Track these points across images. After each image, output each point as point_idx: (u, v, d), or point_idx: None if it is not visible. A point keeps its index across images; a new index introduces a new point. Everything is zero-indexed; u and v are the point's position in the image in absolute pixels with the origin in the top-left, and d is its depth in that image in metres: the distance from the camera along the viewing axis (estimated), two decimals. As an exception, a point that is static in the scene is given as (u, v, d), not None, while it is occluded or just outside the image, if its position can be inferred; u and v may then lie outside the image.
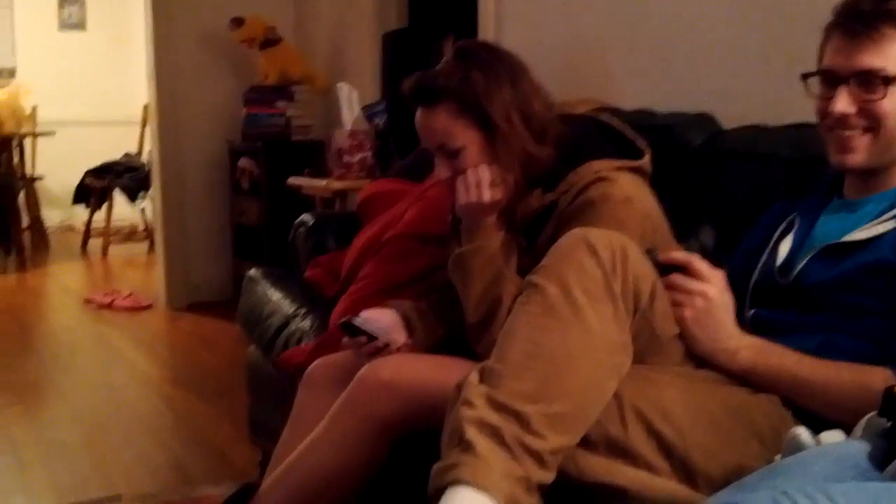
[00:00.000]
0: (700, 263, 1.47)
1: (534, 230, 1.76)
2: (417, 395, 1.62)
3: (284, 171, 4.35)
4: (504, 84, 1.71)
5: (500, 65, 1.73)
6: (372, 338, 1.77)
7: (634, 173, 1.74)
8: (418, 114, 1.75)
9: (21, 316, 4.95)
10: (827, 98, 1.51)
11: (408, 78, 1.76)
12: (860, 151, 1.50)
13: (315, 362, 1.94)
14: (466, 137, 1.71)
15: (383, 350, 1.77)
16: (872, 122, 1.47)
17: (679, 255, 1.50)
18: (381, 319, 1.84)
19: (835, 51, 1.49)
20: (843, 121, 1.49)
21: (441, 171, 1.75)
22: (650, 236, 1.66)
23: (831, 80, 1.50)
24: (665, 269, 1.46)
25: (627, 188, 1.68)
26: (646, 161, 1.76)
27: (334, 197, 4.02)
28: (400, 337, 1.82)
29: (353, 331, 1.79)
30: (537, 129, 1.73)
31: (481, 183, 1.69)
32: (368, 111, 4.05)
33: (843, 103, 1.48)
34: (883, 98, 1.45)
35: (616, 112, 2.37)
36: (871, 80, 1.45)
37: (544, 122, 1.74)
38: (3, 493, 2.63)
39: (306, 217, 2.93)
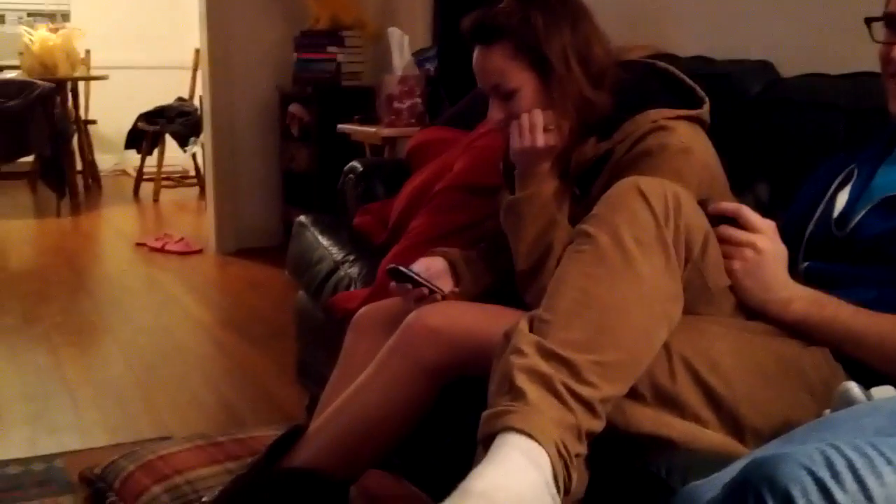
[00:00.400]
0: (750, 214, 1.45)
1: (588, 179, 1.74)
2: (464, 342, 1.62)
3: (335, 117, 4.35)
4: (564, 27, 1.69)
5: (561, 7, 1.71)
6: (418, 284, 1.78)
7: (693, 122, 1.70)
8: (475, 53, 1.74)
9: (74, 258, 5.04)
10: (890, 44, 1.47)
11: (467, 16, 1.74)
12: None
13: (363, 308, 1.95)
14: (522, 79, 1.69)
15: (429, 297, 1.77)
16: None
17: (728, 205, 1.47)
18: (430, 267, 1.84)
19: None
20: None
21: (495, 112, 1.74)
22: (707, 187, 1.63)
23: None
24: (715, 220, 1.44)
25: (685, 138, 1.65)
26: (705, 110, 1.73)
27: (384, 144, 4.01)
28: (446, 285, 1.83)
29: (401, 277, 1.79)
30: (595, 74, 1.70)
31: (536, 127, 1.68)
32: (419, 57, 4.02)
33: None
34: None
35: (673, 58, 2.33)
36: None
37: (603, 67, 1.71)
38: (57, 432, 2.69)
39: (355, 164, 2.94)
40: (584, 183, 1.74)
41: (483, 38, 1.72)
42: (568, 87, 1.68)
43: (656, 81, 1.77)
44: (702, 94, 1.75)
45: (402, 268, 1.79)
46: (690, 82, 1.77)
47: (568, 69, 1.68)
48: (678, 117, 1.67)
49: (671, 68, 1.80)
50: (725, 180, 1.73)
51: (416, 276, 1.78)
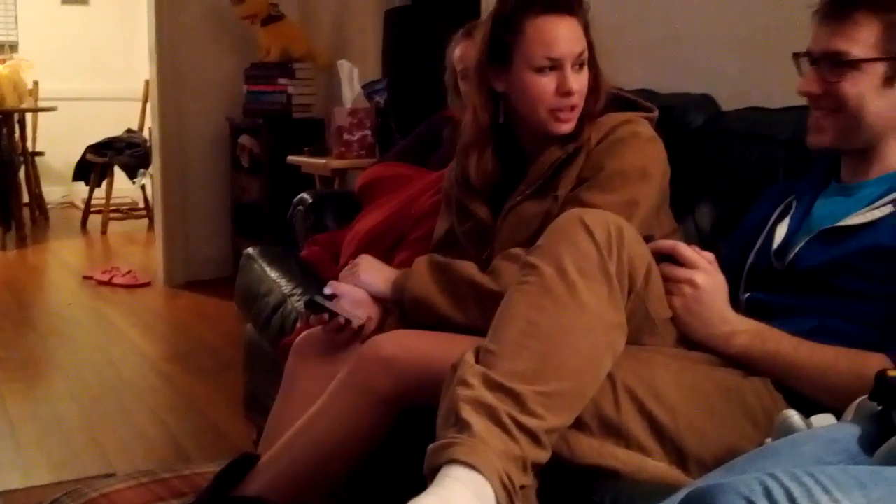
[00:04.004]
0: (685, 250, 1.47)
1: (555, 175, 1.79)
2: (417, 370, 1.62)
3: (285, 148, 4.34)
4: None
5: None
6: (335, 315, 1.78)
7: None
8: (563, 19, 1.74)
9: (20, 292, 4.95)
10: (819, 80, 1.53)
11: None
12: (827, 132, 1.53)
13: (304, 332, 1.95)
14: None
15: (347, 327, 1.78)
16: (837, 104, 1.50)
17: (664, 243, 1.50)
18: (349, 295, 1.85)
19: (814, 32, 1.53)
20: (812, 101, 1.53)
21: (574, 82, 1.74)
22: (666, 181, 1.77)
23: (810, 60, 1.54)
24: (656, 257, 1.46)
25: (651, 130, 1.78)
26: (656, 115, 1.84)
27: (334, 175, 4.01)
28: (363, 313, 1.83)
29: (318, 308, 1.79)
30: None
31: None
32: (369, 89, 4.03)
33: (807, 82, 1.53)
34: (841, 81, 1.48)
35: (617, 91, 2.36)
36: (834, 63, 1.48)
37: None
38: (-1, 469, 2.64)
39: (305, 195, 2.93)
40: (551, 178, 1.79)
41: (569, 7, 1.75)
42: (598, 75, 1.80)
43: (611, 97, 1.86)
44: (648, 104, 1.86)
45: (317, 299, 1.80)
46: (635, 98, 1.89)
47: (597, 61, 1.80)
48: (638, 117, 1.80)
49: (616, 89, 1.89)
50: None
51: (331, 307, 1.78)
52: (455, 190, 1.92)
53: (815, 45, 1.52)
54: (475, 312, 1.67)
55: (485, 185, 1.85)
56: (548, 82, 1.74)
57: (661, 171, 1.75)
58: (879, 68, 1.47)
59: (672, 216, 1.87)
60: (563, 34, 1.73)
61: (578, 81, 1.75)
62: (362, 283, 1.86)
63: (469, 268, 1.70)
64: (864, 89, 1.47)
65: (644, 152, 1.74)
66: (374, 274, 1.87)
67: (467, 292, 1.68)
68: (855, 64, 1.47)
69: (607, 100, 1.82)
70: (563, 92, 1.73)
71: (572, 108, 1.75)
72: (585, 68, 1.76)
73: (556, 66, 1.73)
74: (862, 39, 1.46)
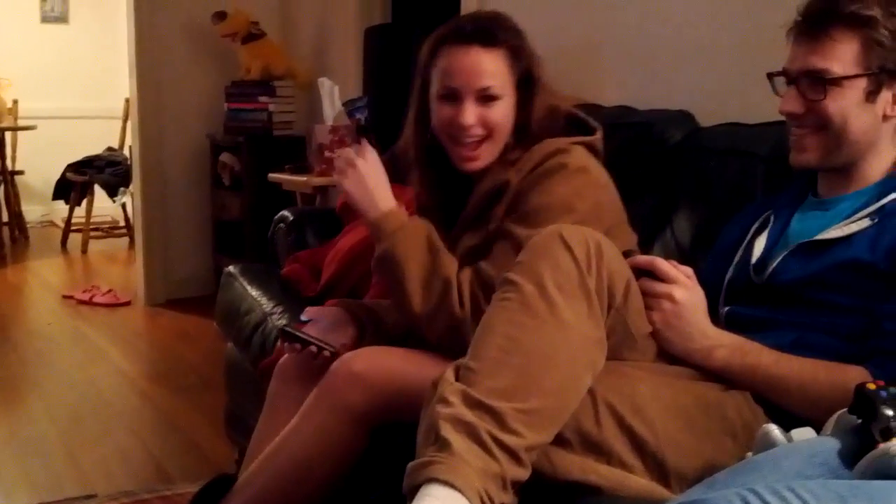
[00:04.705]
0: (663, 265, 1.47)
1: (486, 207, 1.77)
2: (390, 386, 1.62)
3: (266, 166, 4.33)
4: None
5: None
6: (307, 344, 1.77)
7: (587, 148, 1.76)
8: (471, 52, 1.72)
9: (-1, 311, 4.92)
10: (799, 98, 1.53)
11: (461, 17, 1.78)
12: (812, 150, 1.53)
13: (286, 355, 1.94)
14: (508, 90, 1.73)
15: (320, 355, 1.77)
16: (820, 122, 1.50)
17: (642, 258, 1.50)
18: (322, 320, 1.85)
19: (791, 51, 1.54)
20: (794, 119, 1.53)
21: (469, 115, 1.72)
22: (606, 207, 1.72)
23: (788, 80, 1.54)
24: (635, 272, 1.46)
25: (582, 159, 1.72)
26: (597, 138, 1.79)
27: (315, 192, 4.01)
28: (337, 340, 1.82)
29: (292, 337, 1.79)
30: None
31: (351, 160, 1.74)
32: (350, 106, 4.03)
33: (789, 102, 1.53)
34: (824, 98, 1.48)
35: (597, 108, 2.38)
36: (815, 81, 1.49)
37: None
38: (-23, 490, 2.61)
39: (286, 213, 2.93)
40: (484, 211, 1.76)
41: (485, 39, 1.72)
42: (531, 108, 1.74)
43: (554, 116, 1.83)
44: (594, 123, 1.82)
45: (288, 329, 1.80)
46: (583, 115, 1.84)
47: (538, 92, 1.75)
48: (574, 143, 1.74)
49: (576, 104, 1.89)
50: (621, 206, 1.79)
51: (304, 336, 1.77)
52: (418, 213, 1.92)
53: (792, 64, 1.52)
54: (428, 308, 1.64)
55: (434, 206, 1.86)
56: (447, 111, 1.74)
57: (592, 201, 1.68)
58: (860, 84, 1.47)
59: (633, 235, 1.82)
60: (466, 66, 1.72)
61: (478, 115, 1.72)
62: (346, 189, 1.79)
63: (452, 269, 1.65)
64: (847, 105, 1.48)
65: (571, 184, 1.67)
66: (367, 188, 1.78)
67: (438, 289, 1.64)
68: (836, 81, 1.47)
69: (558, 119, 1.80)
70: (457, 124, 1.73)
71: (473, 142, 1.74)
72: (500, 102, 1.73)
73: (454, 96, 1.72)
74: (841, 56, 1.46)
